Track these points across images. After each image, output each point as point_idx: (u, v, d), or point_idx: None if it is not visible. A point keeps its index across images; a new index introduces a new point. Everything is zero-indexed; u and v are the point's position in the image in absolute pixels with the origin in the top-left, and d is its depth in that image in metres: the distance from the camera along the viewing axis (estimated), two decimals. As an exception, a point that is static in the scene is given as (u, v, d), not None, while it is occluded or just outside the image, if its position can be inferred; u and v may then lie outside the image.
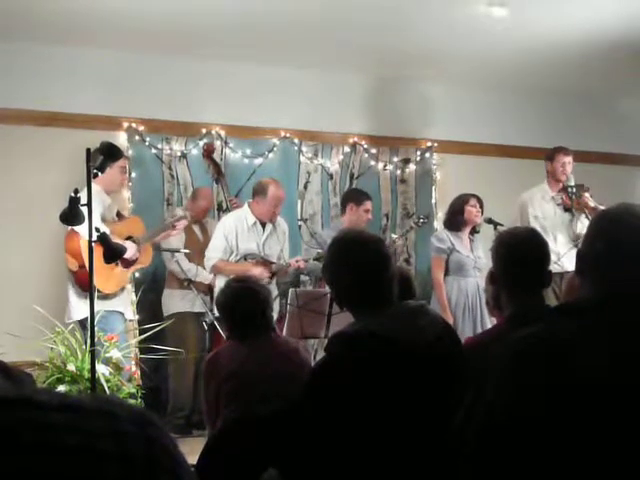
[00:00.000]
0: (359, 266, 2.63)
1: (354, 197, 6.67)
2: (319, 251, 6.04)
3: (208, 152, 6.71)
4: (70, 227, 5.35)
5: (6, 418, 0.61)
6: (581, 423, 1.57)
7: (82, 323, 5.47)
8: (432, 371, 2.45)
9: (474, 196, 6.42)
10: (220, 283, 5.38)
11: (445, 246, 6.29)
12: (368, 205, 6.59)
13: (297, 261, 6.16)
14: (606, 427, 1.57)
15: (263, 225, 6.19)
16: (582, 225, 6.34)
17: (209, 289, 6.34)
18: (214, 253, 6.07)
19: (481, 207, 6.42)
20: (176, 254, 6.22)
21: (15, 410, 0.62)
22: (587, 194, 6.39)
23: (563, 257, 6.07)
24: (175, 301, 6.35)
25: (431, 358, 2.46)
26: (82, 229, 5.11)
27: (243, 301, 3.64)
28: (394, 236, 6.72)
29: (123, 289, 5.82)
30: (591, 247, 1.83)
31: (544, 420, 1.59)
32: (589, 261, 1.83)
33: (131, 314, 6.00)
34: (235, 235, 6.07)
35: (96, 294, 4.35)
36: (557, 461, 1.57)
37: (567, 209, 6.52)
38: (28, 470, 0.59)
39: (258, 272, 5.97)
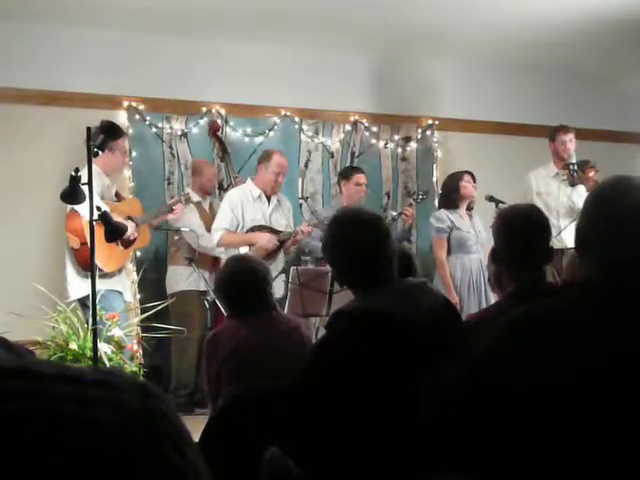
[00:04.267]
0: (358, 244, 2.63)
1: (344, 173, 6.75)
2: (323, 215, 6.05)
3: (214, 130, 6.71)
4: (70, 207, 5.35)
5: (3, 388, 0.61)
6: (570, 400, 1.57)
7: (81, 302, 5.49)
8: (432, 348, 2.45)
9: (467, 172, 6.45)
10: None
11: (445, 225, 6.30)
12: (357, 179, 6.59)
13: (306, 226, 6.19)
14: (599, 407, 1.56)
15: (268, 199, 6.20)
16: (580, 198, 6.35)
17: (212, 267, 6.34)
18: (221, 226, 6.08)
19: (474, 182, 6.45)
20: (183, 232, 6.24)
21: (13, 380, 0.62)
22: (592, 172, 6.37)
23: (563, 231, 6.06)
24: (180, 279, 6.34)
25: (430, 335, 2.46)
26: (83, 208, 5.11)
27: (241, 279, 3.64)
28: (393, 213, 6.71)
29: (121, 270, 5.83)
30: (591, 223, 1.81)
31: (531, 390, 1.59)
32: (589, 238, 1.81)
33: (130, 295, 6.00)
34: (241, 207, 6.09)
35: (97, 272, 4.36)
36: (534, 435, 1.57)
37: (573, 185, 6.52)
38: (25, 440, 0.59)
39: (266, 238, 6.00)
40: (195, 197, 6.42)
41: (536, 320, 1.68)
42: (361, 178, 6.59)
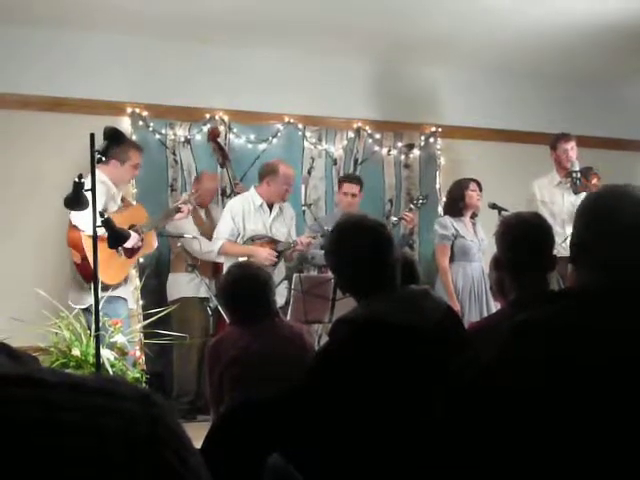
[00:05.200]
0: (361, 251, 2.63)
1: (338, 182, 6.74)
2: (326, 228, 6.04)
3: (213, 136, 6.69)
4: (71, 222, 5.36)
5: (5, 395, 0.61)
6: (572, 406, 1.57)
7: (86, 308, 5.48)
8: (434, 356, 2.45)
9: (473, 180, 6.44)
10: (228, 265, 5.37)
11: (449, 233, 6.29)
12: (346, 187, 6.52)
13: (306, 237, 6.17)
14: (600, 413, 1.56)
15: (270, 207, 6.20)
16: None
17: (213, 274, 6.35)
18: (221, 235, 6.10)
19: (480, 191, 6.43)
20: (181, 239, 6.21)
21: (15, 387, 0.62)
22: (595, 179, 6.38)
23: (568, 239, 6.03)
24: (181, 286, 6.35)
25: (433, 343, 2.46)
26: (81, 221, 5.12)
27: (243, 285, 3.64)
28: (394, 219, 6.69)
29: (126, 279, 5.81)
30: (585, 231, 1.82)
31: (533, 396, 1.59)
32: (584, 246, 1.81)
33: (133, 303, 6.00)
34: (242, 217, 6.10)
35: (100, 285, 4.36)
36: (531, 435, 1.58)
37: (576, 192, 6.52)
38: (26, 447, 0.59)
39: (265, 254, 5.99)
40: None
41: (537, 327, 1.69)
42: (349, 187, 6.52)
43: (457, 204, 6.39)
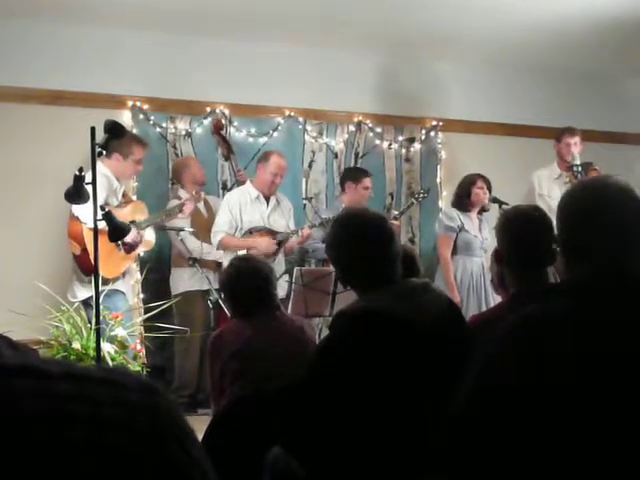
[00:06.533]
0: (362, 244, 2.63)
1: (352, 176, 6.68)
2: (324, 216, 6.05)
3: (217, 129, 6.68)
4: (72, 213, 5.36)
5: (5, 385, 0.61)
6: (572, 402, 1.58)
7: (86, 302, 5.48)
8: (435, 349, 2.45)
9: (481, 177, 6.40)
10: (228, 260, 5.37)
11: (455, 224, 6.28)
12: (367, 182, 6.57)
13: (302, 229, 6.17)
14: (600, 408, 1.56)
15: (267, 200, 6.20)
16: None
17: (216, 266, 6.34)
18: (220, 228, 6.09)
19: (488, 188, 6.40)
20: (181, 232, 6.19)
21: (15, 377, 0.62)
22: (594, 174, 6.38)
23: None
24: (183, 280, 6.34)
25: (434, 336, 2.46)
26: (82, 213, 5.12)
27: (244, 279, 3.64)
28: (395, 212, 6.69)
29: (124, 273, 5.80)
30: (580, 227, 1.82)
31: (534, 391, 1.59)
32: (579, 241, 1.82)
33: (133, 297, 5.99)
34: (239, 209, 6.10)
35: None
36: (541, 434, 1.58)
37: None
38: (27, 438, 0.58)
39: (265, 244, 5.99)
40: (185, 196, 6.31)
41: (537, 322, 1.69)
42: (369, 182, 6.58)
43: (463, 200, 6.37)
